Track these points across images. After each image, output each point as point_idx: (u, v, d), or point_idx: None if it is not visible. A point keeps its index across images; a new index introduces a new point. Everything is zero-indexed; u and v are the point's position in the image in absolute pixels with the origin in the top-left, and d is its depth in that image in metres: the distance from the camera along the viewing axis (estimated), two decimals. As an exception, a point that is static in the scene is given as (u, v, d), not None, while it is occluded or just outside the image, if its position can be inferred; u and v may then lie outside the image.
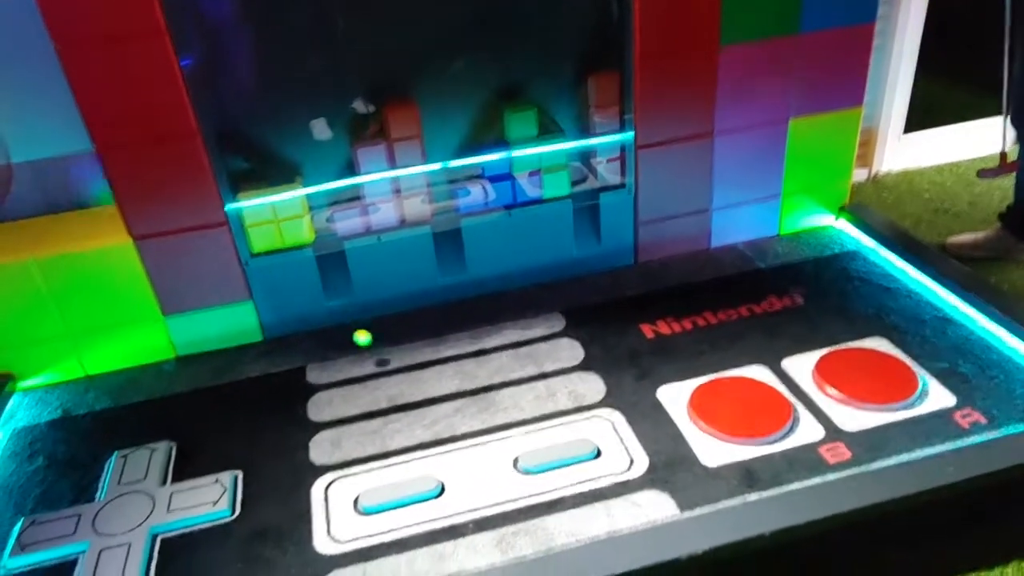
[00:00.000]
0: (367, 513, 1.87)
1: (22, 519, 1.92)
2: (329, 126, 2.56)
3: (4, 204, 2.34)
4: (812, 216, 2.89)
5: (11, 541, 1.86)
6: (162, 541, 1.85)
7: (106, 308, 2.38)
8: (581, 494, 1.86)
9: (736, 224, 2.82)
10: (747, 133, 2.65)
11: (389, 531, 1.82)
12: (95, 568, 1.77)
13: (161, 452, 2.09)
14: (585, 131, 2.71)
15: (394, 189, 2.59)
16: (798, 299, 2.49)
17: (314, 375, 2.36)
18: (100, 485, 2.02)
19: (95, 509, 1.93)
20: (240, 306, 2.50)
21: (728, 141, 2.64)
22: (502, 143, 2.61)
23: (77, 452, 2.15)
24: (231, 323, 2.51)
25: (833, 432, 1.96)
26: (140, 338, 2.46)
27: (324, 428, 2.15)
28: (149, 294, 2.39)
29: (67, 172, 2.35)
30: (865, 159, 3.70)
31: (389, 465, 2.01)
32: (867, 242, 2.76)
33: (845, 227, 2.87)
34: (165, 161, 2.23)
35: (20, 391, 2.42)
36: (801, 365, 2.19)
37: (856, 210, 2.88)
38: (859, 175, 3.68)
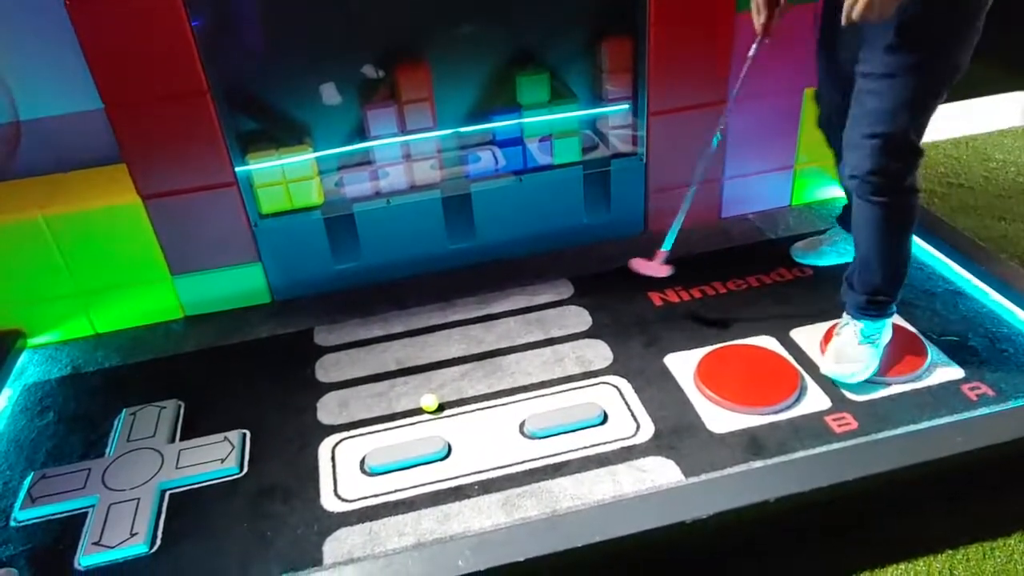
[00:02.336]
0: (373, 473, 1.88)
1: (32, 473, 1.95)
2: (339, 91, 2.53)
3: (13, 162, 2.34)
4: (825, 188, 2.86)
5: (22, 494, 1.89)
6: (170, 496, 1.87)
7: (115, 267, 2.39)
8: (587, 458, 1.87)
9: (748, 194, 2.79)
10: (761, 102, 2.61)
11: (395, 491, 1.83)
12: (104, 521, 1.79)
13: (170, 410, 2.11)
14: (597, 97, 2.68)
15: (404, 153, 2.57)
16: (808, 270, 2.48)
17: (322, 337, 2.36)
18: (109, 441, 2.04)
19: (104, 464, 1.95)
20: (249, 267, 2.50)
21: (742, 110, 2.60)
22: (513, 108, 2.59)
23: (87, 408, 2.17)
24: (239, 284, 2.51)
25: (840, 402, 1.96)
26: (149, 297, 2.46)
27: (331, 389, 2.16)
28: (158, 254, 2.39)
29: (76, 130, 2.34)
30: (880, 132, 3.65)
31: (396, 427, 2.02)
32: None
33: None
34: (175, 120, 2.22)
35: (30, 348, 2.43)
36: (810, 336, 2.18)
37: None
38: (873, 148, 3.63)
